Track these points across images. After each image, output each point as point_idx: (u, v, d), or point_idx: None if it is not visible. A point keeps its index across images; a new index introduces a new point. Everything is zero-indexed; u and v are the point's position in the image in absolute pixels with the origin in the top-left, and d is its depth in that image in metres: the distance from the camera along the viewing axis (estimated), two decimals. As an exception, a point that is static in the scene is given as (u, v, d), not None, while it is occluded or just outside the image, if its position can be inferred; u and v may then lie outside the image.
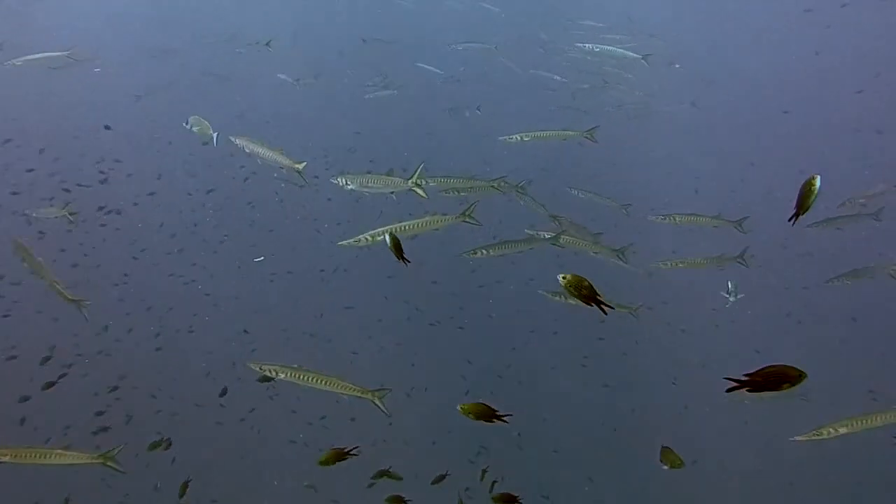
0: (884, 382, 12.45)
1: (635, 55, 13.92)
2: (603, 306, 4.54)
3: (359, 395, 6.45)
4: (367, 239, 6.60)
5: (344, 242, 6.71)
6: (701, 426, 14.04)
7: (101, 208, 13.97)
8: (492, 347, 15.64)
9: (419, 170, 7.50)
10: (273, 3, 25.94)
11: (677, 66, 20.05)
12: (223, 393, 11.17)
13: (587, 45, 14.14)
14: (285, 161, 7.97)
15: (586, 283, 4.51)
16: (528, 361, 15.69)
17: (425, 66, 20.75)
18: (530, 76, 19.29)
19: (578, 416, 14.96)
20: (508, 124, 10.96)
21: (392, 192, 7.78)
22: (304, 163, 7.99)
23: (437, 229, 7.11)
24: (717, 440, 14.01)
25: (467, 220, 7.16)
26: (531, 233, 9.21)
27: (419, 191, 7.56)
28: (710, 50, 23.43)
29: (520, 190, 9.35)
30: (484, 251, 8.38)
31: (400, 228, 6.65)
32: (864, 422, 6.41)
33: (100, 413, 11.39)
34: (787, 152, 20.84)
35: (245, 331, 14.32)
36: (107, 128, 14.31)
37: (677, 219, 9.56)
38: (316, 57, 22.12)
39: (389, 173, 7.53)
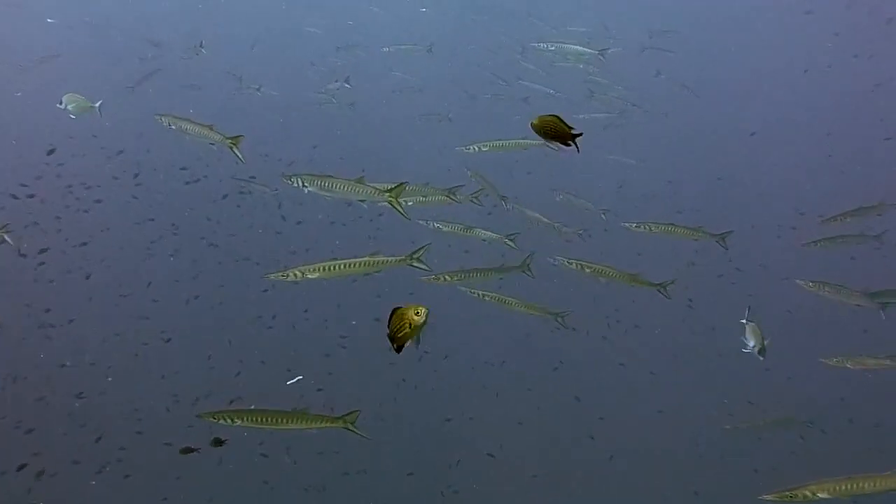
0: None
1: (591, 51, 13.54)
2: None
3: (329, 424, 5.96)
4: (296, 274, 6.06)
5: (272, 275, 6.18)
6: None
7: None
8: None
9: (401, 184, 6.70)
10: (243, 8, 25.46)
11: (662, 75, 19.77)
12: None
13: (542, 44, 13.83)
14: (216, 137, 7.38)
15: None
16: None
17: (398, 74, 20.31)
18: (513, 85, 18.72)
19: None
20: (480, 132, 10.46)
21: (362, 202, 6.91)
22: (241, 136, 7.38)
23: (377, 272, 6.52)
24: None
25: (414, 264, 6.32)
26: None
27: (398, 207, 6.71)
28: (698, 57, 23.13)
29: (474, 199, 8.83)
30: (447, 277, 7.89)
31: (335, 267, 6.06)
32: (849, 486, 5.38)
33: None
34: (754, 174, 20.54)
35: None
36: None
37: (653, 228, 8.90)
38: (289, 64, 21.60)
39: (359, 179, 6.67)
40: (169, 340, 13.34)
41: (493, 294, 8.63)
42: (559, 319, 9.00)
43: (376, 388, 13.35)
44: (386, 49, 18.22)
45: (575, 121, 16.35)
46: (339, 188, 6.71)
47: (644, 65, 20.09)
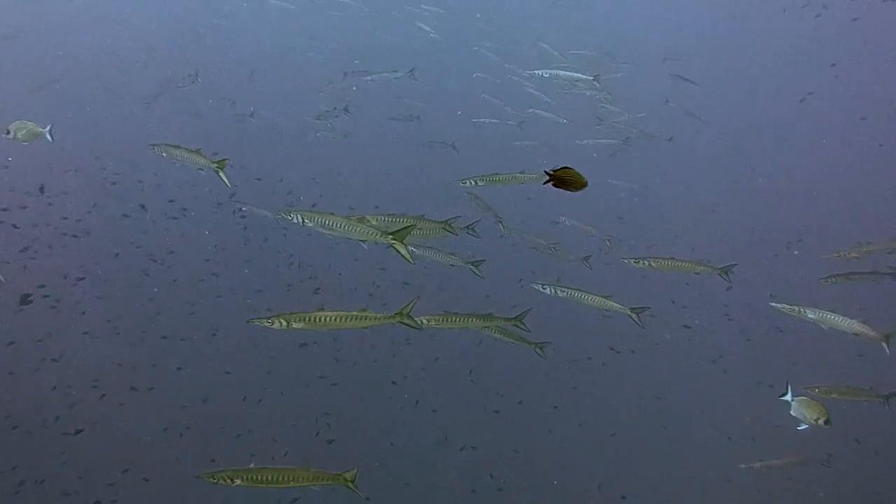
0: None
1: (586, 77, 13.64)
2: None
3: (330, 481, 5.93)
4: (280, 323, 5.81)
5: (256, 321, 5.91)
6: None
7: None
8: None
9: (408, 228, 6.47)
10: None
11: (671, 104, 19.65)
12: None
13: (537, 71, 13.77)
14: (203, 161, 7.54)
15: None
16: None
17: (407, 101, 20.23)
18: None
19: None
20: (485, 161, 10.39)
21: (362, 242, 6.67)
22: (226, 160, 7.54)
23: (365, 328, 6.33)
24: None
25: (405, 321, 6.11)
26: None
27: (401, 250, 6.47)
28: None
29: (471, 231, 8.48)
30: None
31: (321, 319, 5.86)
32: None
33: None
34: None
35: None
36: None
37: (653, 263, 8.61)
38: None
39: (361, 220, 6.43)
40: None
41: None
42: (538, 350, 8.68)
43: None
44: (369, 78, 18.18)
45: (578, 147, 16.41)
46: (340, 227, 6.49)
47: (653, 90, 20.03)
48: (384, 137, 21.14)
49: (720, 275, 8.85)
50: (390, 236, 6.36)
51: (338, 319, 5.89)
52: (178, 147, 7.67)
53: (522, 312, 7.98)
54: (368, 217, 6.70)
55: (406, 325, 6.06)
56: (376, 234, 6.41)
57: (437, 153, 18.40)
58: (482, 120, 19.54)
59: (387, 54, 24.32)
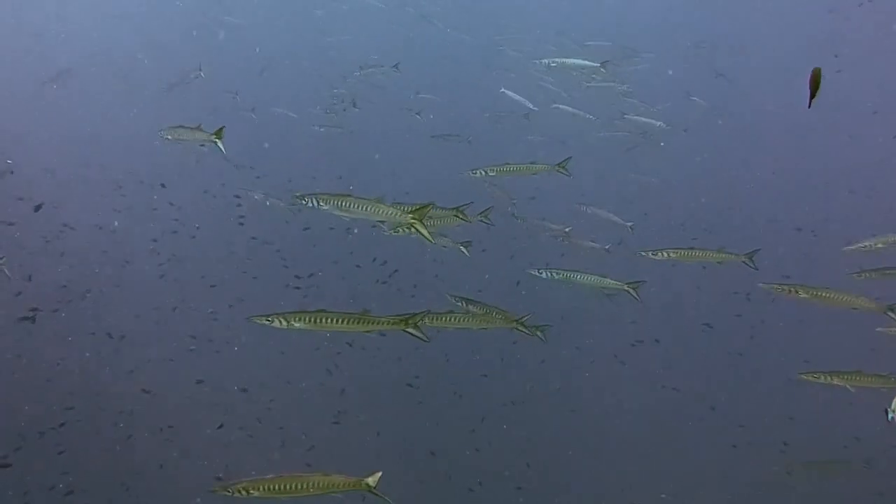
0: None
1: (593, 63, 13.59)
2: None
3: (352, 488, 5.61)
4: (281, 321, 5.73)
5: (256, 319, 5.80)
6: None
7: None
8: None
9: (427, 205, 6.35)
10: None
11: (695, 98, 19.33)
12: None
13: (544, 60, 13.83)
14: (202, 135, 8.23)
15: None
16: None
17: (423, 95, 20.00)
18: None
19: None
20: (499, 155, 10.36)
21: (381, 223, 6.44)
22: (223, 127, 8.20)
23: (368, 333, 6.03)
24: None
25: (410, 330, 5.89)
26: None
27: (422, 230, 6.39)
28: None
29: (484, 218, 8.43)
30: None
31: (323, 319, 5.74)
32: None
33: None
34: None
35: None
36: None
37: (672, 254, 8.39)
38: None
39: (379, 199, 6.22)
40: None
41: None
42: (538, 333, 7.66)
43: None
44: (357, 73, 18.40)
45: (596, 139, 16.18)
46: (358, 208, 6.39)
47: (674, 83, 19.72)
48: (398, 130, 20.92)
49: (745, 262, 8.60)
50: (410, 215, 6.26)
51: (340, 321, 5.76)
52: (179, 127, 8.37)
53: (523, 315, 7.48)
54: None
55: (412, 334, 5.86)
56: (396, 213, 6.29)
57: (451, 148, 18.14)
58: (496, 113, 19.26)
59: (400, 47, 24.10)
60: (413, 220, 6.25)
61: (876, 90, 22.48)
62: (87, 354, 13.21)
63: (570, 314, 14.16)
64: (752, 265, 8.61)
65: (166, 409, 12.41)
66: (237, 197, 14.81)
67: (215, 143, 8.13)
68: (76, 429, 11.29)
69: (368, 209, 6.34)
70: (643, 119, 17.13)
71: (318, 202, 6.37)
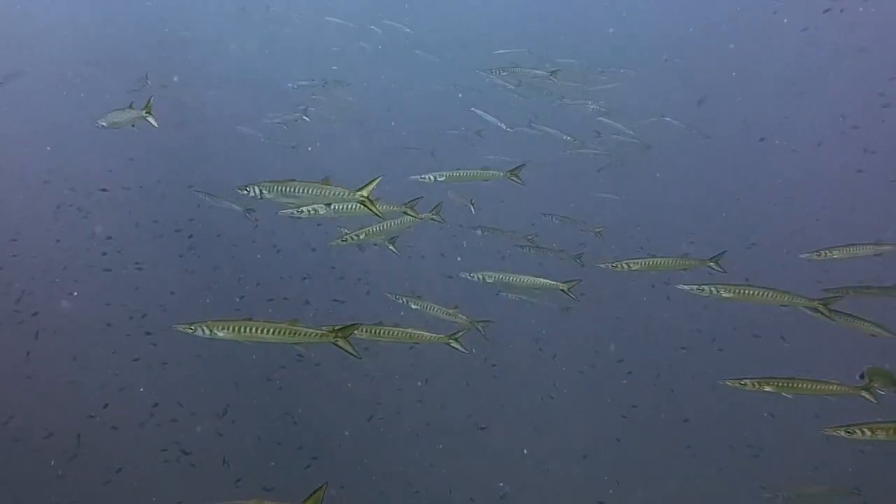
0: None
1: (544, 73, 13.96)
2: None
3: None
4: (203, 330, 5.49)
5: (180, 328, 5.60)
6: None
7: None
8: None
9: (374, 182, 6.33)
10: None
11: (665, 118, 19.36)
12: None
13: (493, 69, 14.15)
14: (133, 114, 8.29)
15: None
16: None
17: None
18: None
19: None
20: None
21: (331, 207, 6.08)
22: (150, 98, 8.24)
23: (296, 343, 5.89)
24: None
25: (339, 343, 5.67)
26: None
27: (372, 207, 6.38)
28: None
29: (434, 216, 8.22)
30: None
31: (248, 329, 5.51)
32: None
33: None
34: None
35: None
36: None
37: (632, 265, 8.21)
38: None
39: (325, 181, 5.88)
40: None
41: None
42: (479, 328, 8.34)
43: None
44: (291, 85, 18.41)
45: (564, 157, 15.83)
46: (303, 192, 6.35)
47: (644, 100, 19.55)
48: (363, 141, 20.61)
49: (711, 266, 8.30)
50: (358, 193, 6.23)
51: (266, 331, 5.53)
52: (112, 111, 8.51)
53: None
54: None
55: (341, 348, 5.64)
56: (343, 193, 6.27)
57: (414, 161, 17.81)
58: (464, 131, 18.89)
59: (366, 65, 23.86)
60: (362, 198, 6.18)
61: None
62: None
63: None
64: (719, 269, 8.28)
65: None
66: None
67: (146, 118, 8.31)
68: None
69: (316, 192, 6.25)
70: (617, 137, 16.98)
71: (260, 191, 6.27)
